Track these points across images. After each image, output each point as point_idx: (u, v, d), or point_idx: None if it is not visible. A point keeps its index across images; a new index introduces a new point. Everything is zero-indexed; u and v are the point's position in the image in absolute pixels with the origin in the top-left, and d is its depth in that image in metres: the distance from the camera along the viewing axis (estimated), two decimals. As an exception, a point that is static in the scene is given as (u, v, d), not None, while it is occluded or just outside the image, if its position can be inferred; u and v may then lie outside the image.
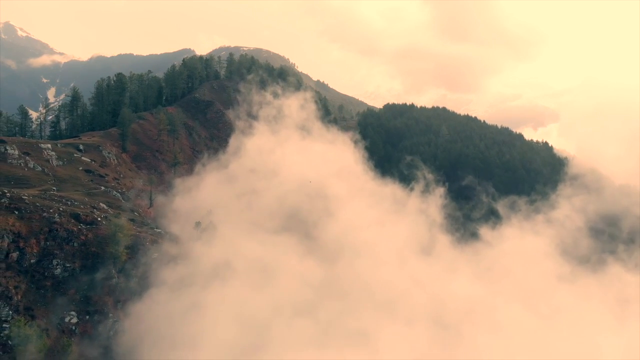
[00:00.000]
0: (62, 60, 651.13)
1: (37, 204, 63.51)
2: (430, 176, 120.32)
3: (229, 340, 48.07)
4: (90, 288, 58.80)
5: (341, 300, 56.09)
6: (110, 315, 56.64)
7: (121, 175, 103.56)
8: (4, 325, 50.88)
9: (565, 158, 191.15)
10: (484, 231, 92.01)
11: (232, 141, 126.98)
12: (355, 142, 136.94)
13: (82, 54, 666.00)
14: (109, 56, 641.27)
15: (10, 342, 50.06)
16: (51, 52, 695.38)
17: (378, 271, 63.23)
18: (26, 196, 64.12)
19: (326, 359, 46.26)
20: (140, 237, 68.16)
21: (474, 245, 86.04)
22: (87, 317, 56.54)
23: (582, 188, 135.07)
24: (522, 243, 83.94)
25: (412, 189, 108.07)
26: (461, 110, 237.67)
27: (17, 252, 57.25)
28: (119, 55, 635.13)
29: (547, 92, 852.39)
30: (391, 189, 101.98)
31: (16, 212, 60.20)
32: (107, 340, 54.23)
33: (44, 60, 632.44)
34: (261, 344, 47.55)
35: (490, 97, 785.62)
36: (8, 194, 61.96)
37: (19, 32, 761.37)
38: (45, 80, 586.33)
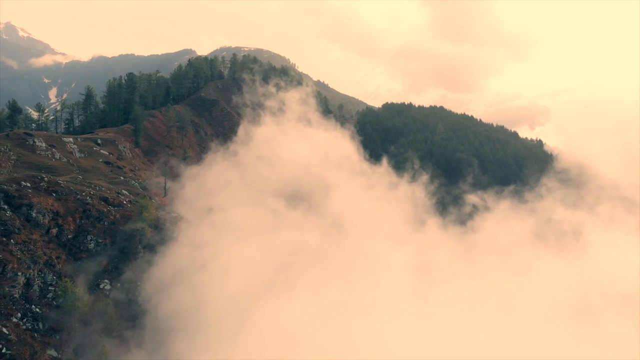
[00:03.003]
0: (63, 60, 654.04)
1: (71, 187, 71.72)
2: (417, 162, 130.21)
3: (254, 278, 56.55)
4: (120, 260, 67.08)
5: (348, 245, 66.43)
6: (138, 283, 64.86)
7: (136, 168, 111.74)
8: (49, 288, 59.07)
9: (557, 154, 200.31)
10: (470, 216, 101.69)
11: (240, 130, 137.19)
12: (353, 138, 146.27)
13: (83, 54, 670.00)
14: (110, 56, 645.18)
15: (54, 303, 58.22)
16: (52, 52, 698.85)
17: (373, 239, 72.90)
18: (61, 181, 72.37)
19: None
20: (161, 218, 76.56)
21: (459, 227, 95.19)
22: (119, 284, 64.78)
23: (566, 181, 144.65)
24: (503, 228, 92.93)
25: (402, 176, 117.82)
26: (461, 110, 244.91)
27: (57, 229, 65.44)
28: (120, 56, 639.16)
29: (547, 91, 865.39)
30: (385, 174, 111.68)
31: (54, 194, 68.37)
32: (134, 288, 63.00)
33: (46, 60, 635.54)
34: (284, 278, 56.30)
35: (490, 97, 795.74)
36: (46, 179, 70.18)
37: (20, 33, 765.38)
38: (46, 81, 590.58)
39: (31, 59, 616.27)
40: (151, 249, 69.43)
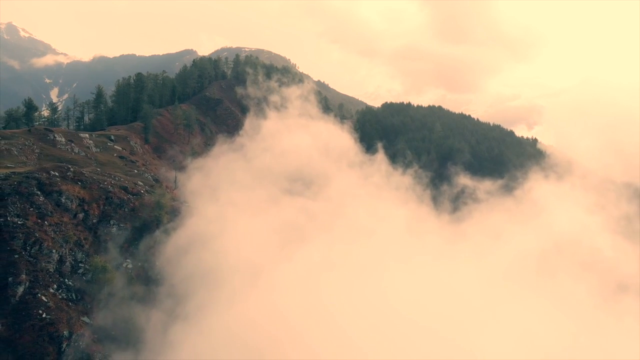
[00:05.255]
0: (64, 60, 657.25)
1: (94, 177, 78.64)
2: (410, 154, 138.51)
3: (264, 243, 63.97)
4: (140, 243, 74.05)
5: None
6: (157, 255, 72.13)
7: (147, 162, 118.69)
8: (79, 264, 65.97)
9: (550, 152, 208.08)
10: (460, 196, 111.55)
11: (246, 123, 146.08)
12: (352, 134, 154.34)
13: (85, 55, 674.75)
14: (111, 57, 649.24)
15: (84, 278, 65.11)
16: (54, 52, 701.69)
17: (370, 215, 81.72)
18: (85, 171, 79.27)
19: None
20: (176, 206, 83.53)
21: (450, 209, 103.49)
22: (139, 264, 71.75)
23: (553, 175, 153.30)
24: (489, 219, 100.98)
25: (396, 168, 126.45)
26: (461, 111, 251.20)
27: (83, 214, 72.33)
28: (122, 56, 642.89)
29: (546, 92, 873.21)
30: (381, 163, 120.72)
31: (79, 183, 75.28)
32: (152, 259, 70.54)
33: (47, 60, 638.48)
34: (293, 241, 64.08)
35: (490, 97, 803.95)
36: (72, 169, 77.10)
37: (22, 33, 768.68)
38: (48, 81, 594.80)
39: (32, 59, 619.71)
40: (167, 229, 76.57)
